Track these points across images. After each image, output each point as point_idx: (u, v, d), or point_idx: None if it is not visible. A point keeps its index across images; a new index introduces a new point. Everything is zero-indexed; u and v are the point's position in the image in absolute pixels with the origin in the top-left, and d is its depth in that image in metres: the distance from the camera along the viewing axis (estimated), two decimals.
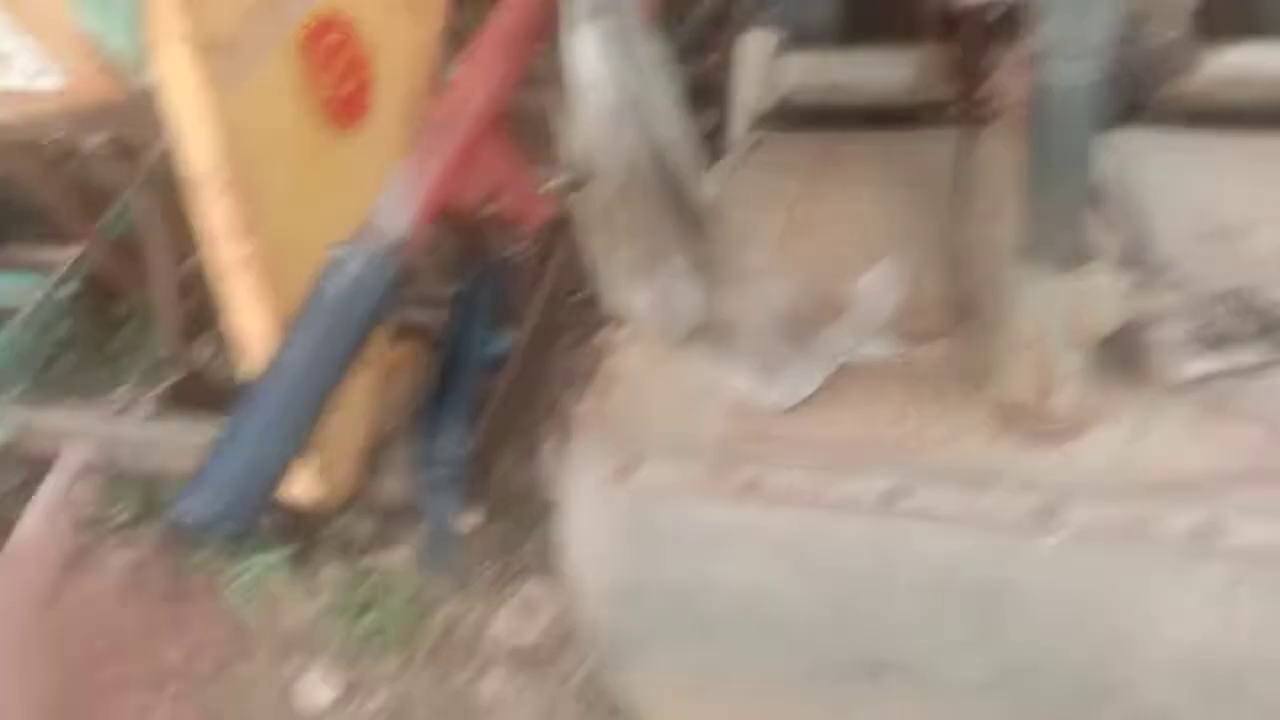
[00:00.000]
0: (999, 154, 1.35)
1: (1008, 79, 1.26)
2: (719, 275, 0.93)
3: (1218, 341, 0.98)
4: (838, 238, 1.21)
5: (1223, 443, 0.96)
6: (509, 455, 2.26)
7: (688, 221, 0.89)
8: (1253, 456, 0.95)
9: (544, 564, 2.15)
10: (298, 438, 0.60)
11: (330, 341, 0.61)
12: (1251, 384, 0.96)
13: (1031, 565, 0.94)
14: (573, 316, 2.49)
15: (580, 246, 0.90)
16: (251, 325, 1.31)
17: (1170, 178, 1.18)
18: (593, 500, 1.04)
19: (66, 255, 2.14)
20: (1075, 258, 0.89)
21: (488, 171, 0.69)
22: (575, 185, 0.84)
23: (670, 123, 0.85)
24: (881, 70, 1.50)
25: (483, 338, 0.65)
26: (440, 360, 0.66)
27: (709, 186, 0.89)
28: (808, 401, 1.05)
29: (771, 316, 0.96)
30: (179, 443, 1.72)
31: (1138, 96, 1.30)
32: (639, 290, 0.95)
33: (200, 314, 2.53)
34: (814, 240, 1.15)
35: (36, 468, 2.48)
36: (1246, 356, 0.97)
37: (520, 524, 2.22)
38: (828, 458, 1.01)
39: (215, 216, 1.26)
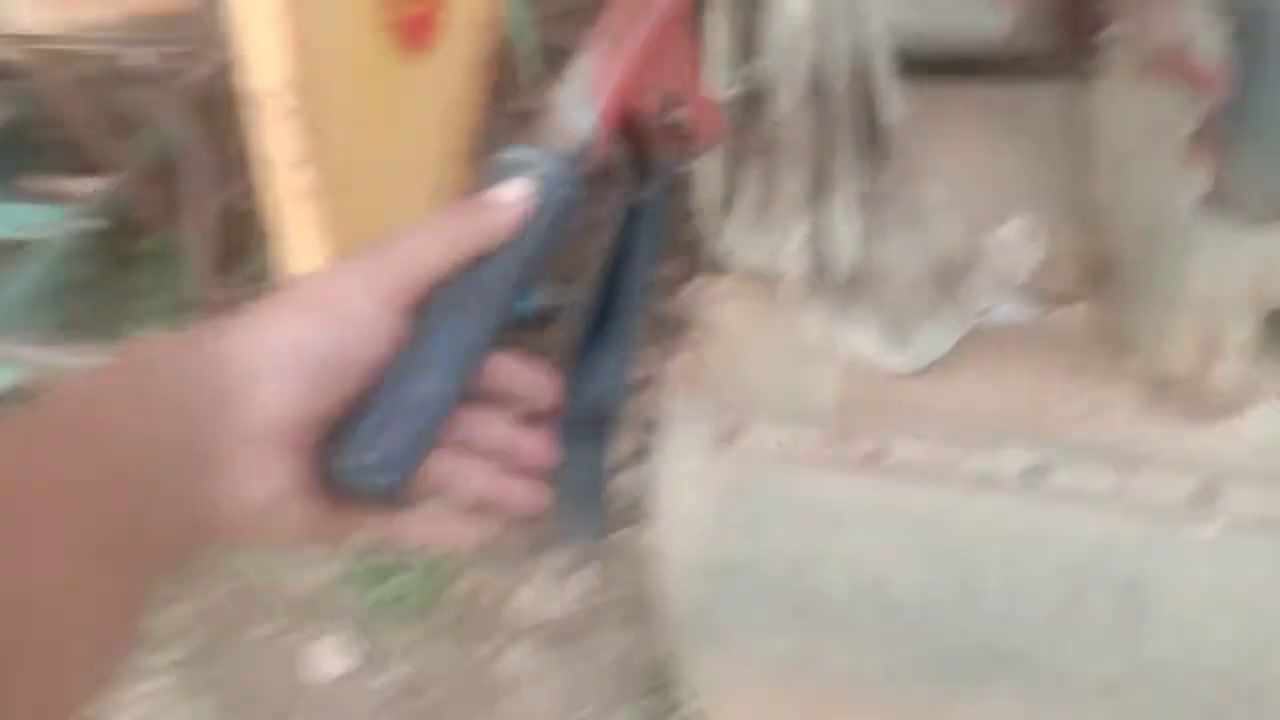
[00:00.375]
0: (1125, 105, 1.25)
1: (1138, 25, 1.16)
2: (890, 213, 0.83)
3: None
4: (960, 191, 1.11)
5: None
6: None
7: (873, 146, 0.79)
8: None
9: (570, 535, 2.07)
10: (466, 376, 0.50)
11: (508, 261, 0.51)
12: None
13: (1186, 553, 0.85)
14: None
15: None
16: (306, 260, 1.21)
17: None
18: (692, 465, 0.94)
19: (89, 186, 2.03)
20: (1272, 212, 0.79)
21: (671, 74, 0.59)
22: (749, 100, 0.74)
23: (873, 29, 0.75)
24: (973, 17, 1.40)
25: (647, 263, 0.56)
26: (600, 286, 0.56)
27: (901, 108, 0.78)
28: (936, 366, 0.95)
29: (928, 265, 0.86)
30: None
31: None
32: (793, 227, 0.85)
33: (229, 252, 2.44)
34: (945, 197, 1.06)
35: None
36: None
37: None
38: (960, 429, 0.91)
39: (277, 141, 1.15)
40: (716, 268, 1.07)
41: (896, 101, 0.78)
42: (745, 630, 1.00)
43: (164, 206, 1.74)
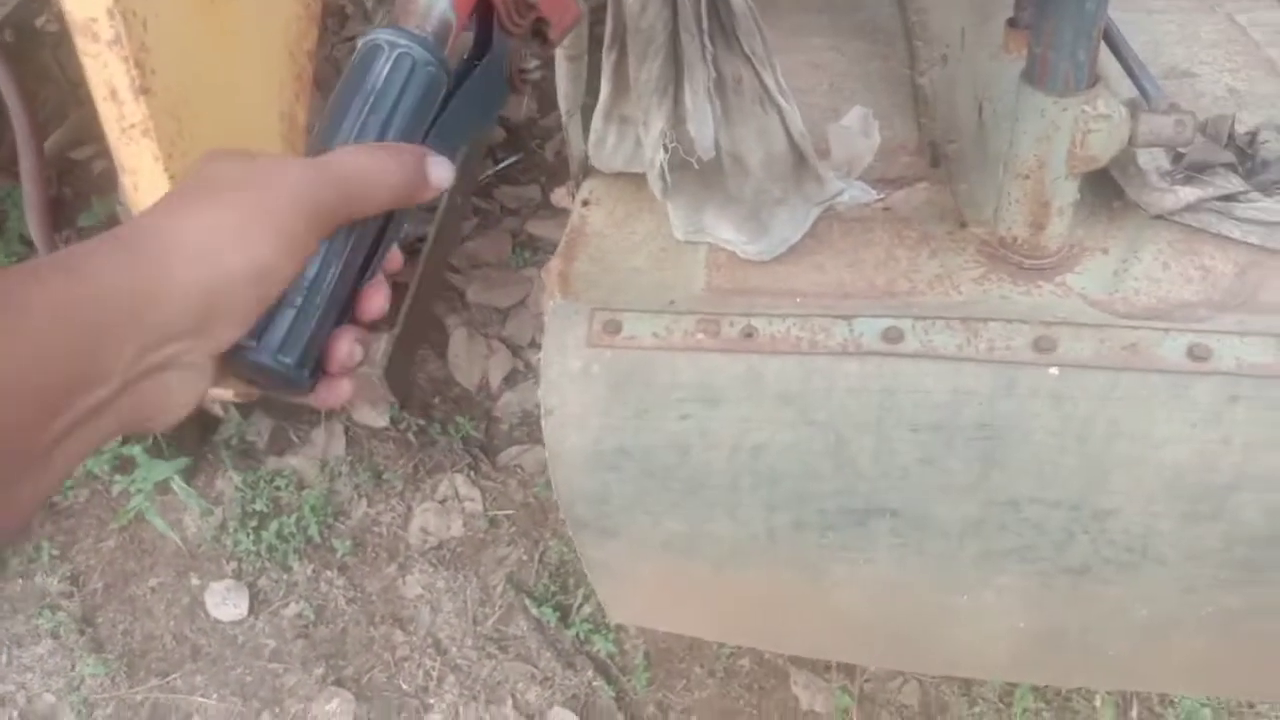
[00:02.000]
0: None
1: None
2: (740, 98, 0.86)
3: (1196, 171, 0.98)
4: (801, 86, 1.16)
5: (1205, 269, 0.97)
6: (422, 348, 2.17)
7: (722, 31, 0.81)
8: (1233, 281, 0.96)
9: (460, 460, 2.09)
10: (360, 273, 0.53)
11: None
12: (1230, 210, 0.97)
13: (1031, 397, 0.93)
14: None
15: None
16: (154, 195, 1.17)
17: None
18: (573, 363, 0.97)
19: None
20: (1081, 82, 0.86)
21: None
22: None
23: None
24: None
25: (456, 130, 0.57)
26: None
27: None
28: (793, 250, 1.00)
29: (779, 151, 0.90)
30: None
31: None
32: (653, 116, 0.87)
33: (65, 201, 2.30)
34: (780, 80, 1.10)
35: None
36: (1223, 185, 0.97)
37: (433, 419, 2.14)
38: (820, 305, 0.97)
39: (106, 71, 1.09)
40: (582, 170, 1.09)
41: None
42: (637, 516, 1.05)
43: None
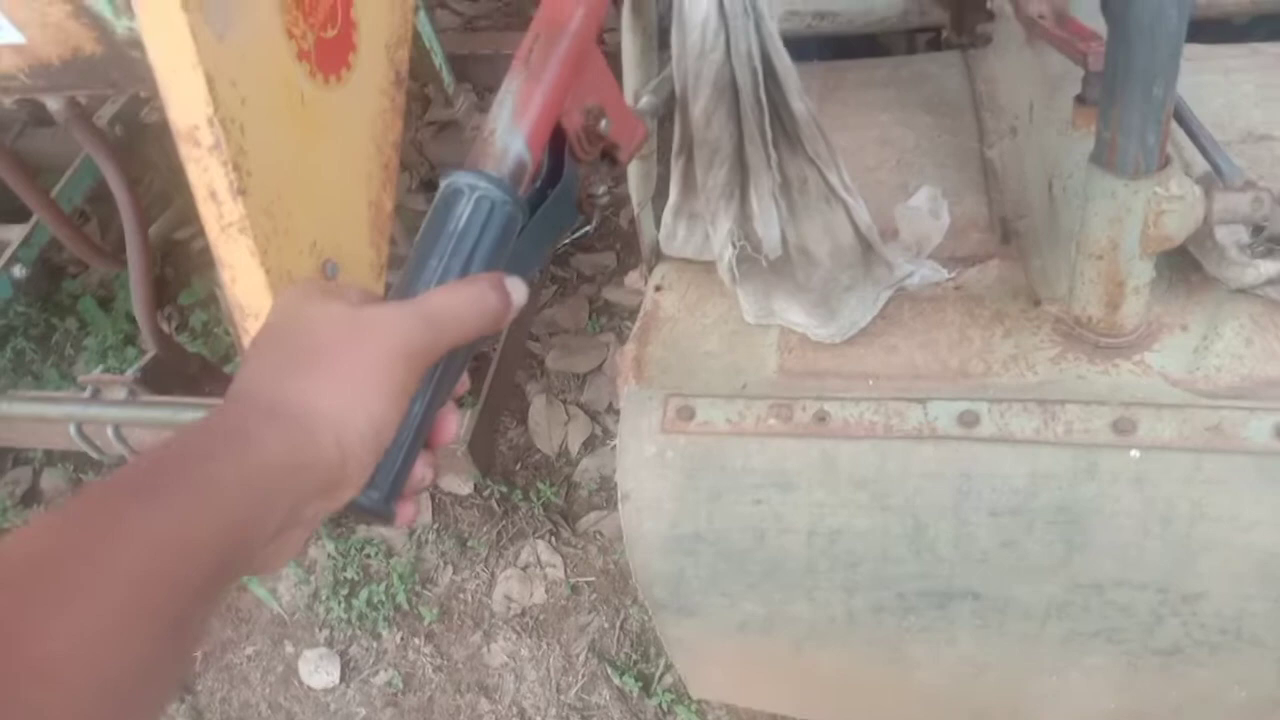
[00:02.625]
0: (1010, 69, 1.32)
1: None
2: (805, 196, 0.88)
3: (1277, 243, 0.97)
4: (869, 164, 1.17)
5: None
6: (503, 415, 2.21)
7: (784, 136, 0.84)
8: None
9: (541, 526, 2.11)
10: (441, 403, 0.56)
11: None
12: None
13: (1112, 481, 0.92)
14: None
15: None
16: (250, 289, 1.23)
17: (1186, 88, 1.17)
18: (651, 448, 0.99)
19: (10, 234, 2.01)
20: (1151, 164, 0.86)
21: (591, 89, 0.63)
22: (662, 106, 0.78)
23: (769, 27, 0.79)
24: None
25: (528, 258, 0.60)
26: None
27: (804, 99, 0.83)
28: (865, 332, 1.01)
29: (845, 242, 0.92)
30: (161, 423, 1.63)
31: None
32: (718, 218, 0.89)
33: (167, 283, 2.42)
34: (847, 167, 1.11)
35: (3, 458, 2.36)
36: None
37: (515, 486, 2.17)
38: (894, 387, 0.98)
39: (205, 175, 1.17)
40: (654, 256, 1.12)
41: (799, 92, 0.83)
42: (713, 598, 1.06)
43: (91, 247, 1.73)
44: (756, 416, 0.98)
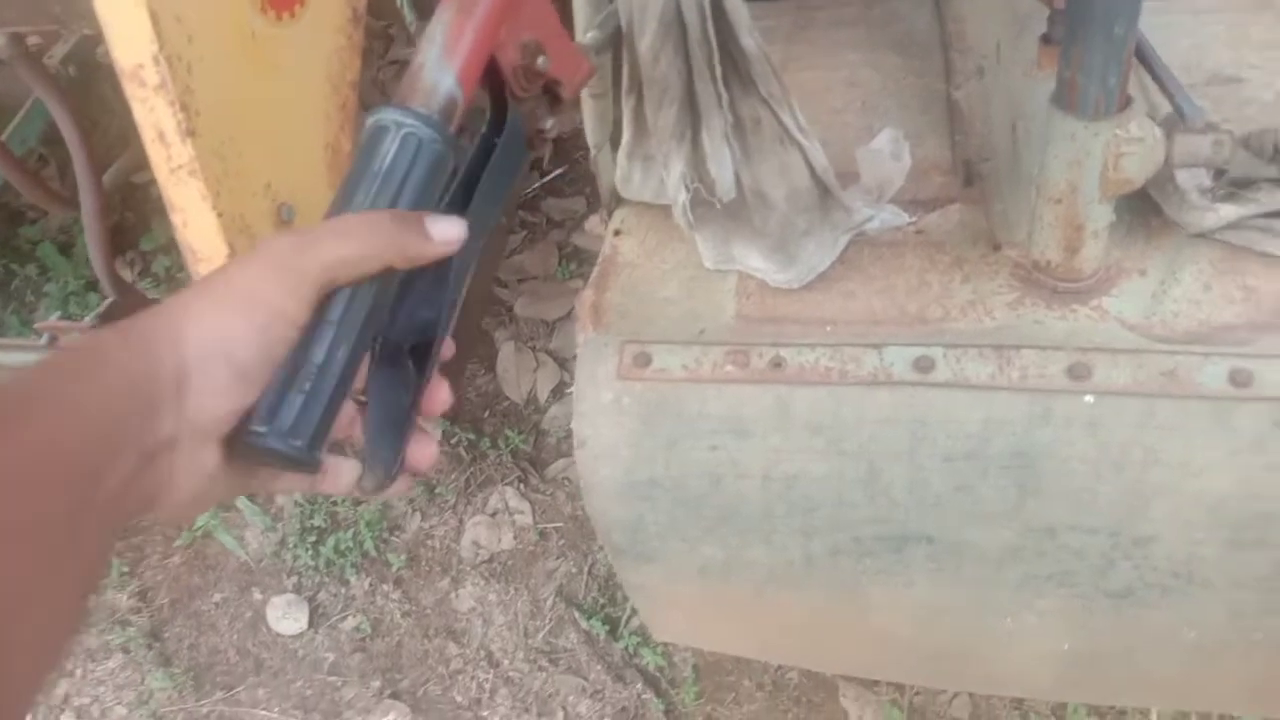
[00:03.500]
0: (980, 9, 1.30)
1: None
2: (759, 138, 0.86)
3: (1239, 187, 0.96)
4: (835, 105, 1.15)
5: (1248, 289, 0.95)
6: (471, 362, 2.20)
7: (735, 75, 0.82)
8: (1278, 301, 0.94)
9: (509, 473, 2.11)
10: (361, 344, 0.54)
11: None
12: (1275, 227, 0.94)
13: (1066, 426, 0.92)
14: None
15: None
16: (202, 232, 1.20)
17: (1154, 30, 1.15)
18: (607, 394, 0.98)
19: None
20: (1112, 106, 0.84)
21: (530, 24, 0.61)
22: (608, 42, 0.76)
23: None
24: None
25: (491, 202, 0.59)
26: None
27: (755, 37, 0.81)
28: (823, 277, 1.00)
29: (802, 185, 0.90)
30: None
31: None
32: (673, 159, 0.87)
33: (126, 228, 2.37)
34: (812, 109, 1.09)
35: None
36: (1267, 201, 0.95)
37: (483, 433, 2.17)
38: (850, 333, 0.97)
39: (154, 116, 1.13)
40: (613, 201, 1.10)
41: (749, 29, 0.81)
42: (672, 543, 1.06)
43: (47, 191, 1.69)
44: (713, 363, 0.97)
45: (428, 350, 0.60)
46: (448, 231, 0.56)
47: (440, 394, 0.60)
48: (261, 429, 0.50)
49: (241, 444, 0.51)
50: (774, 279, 1.00)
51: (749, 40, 0.80)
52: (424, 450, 0.59)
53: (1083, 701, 1.33)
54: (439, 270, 0.60)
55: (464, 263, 0.61)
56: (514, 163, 0.65)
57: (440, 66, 0.56)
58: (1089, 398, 0.91)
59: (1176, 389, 0.91)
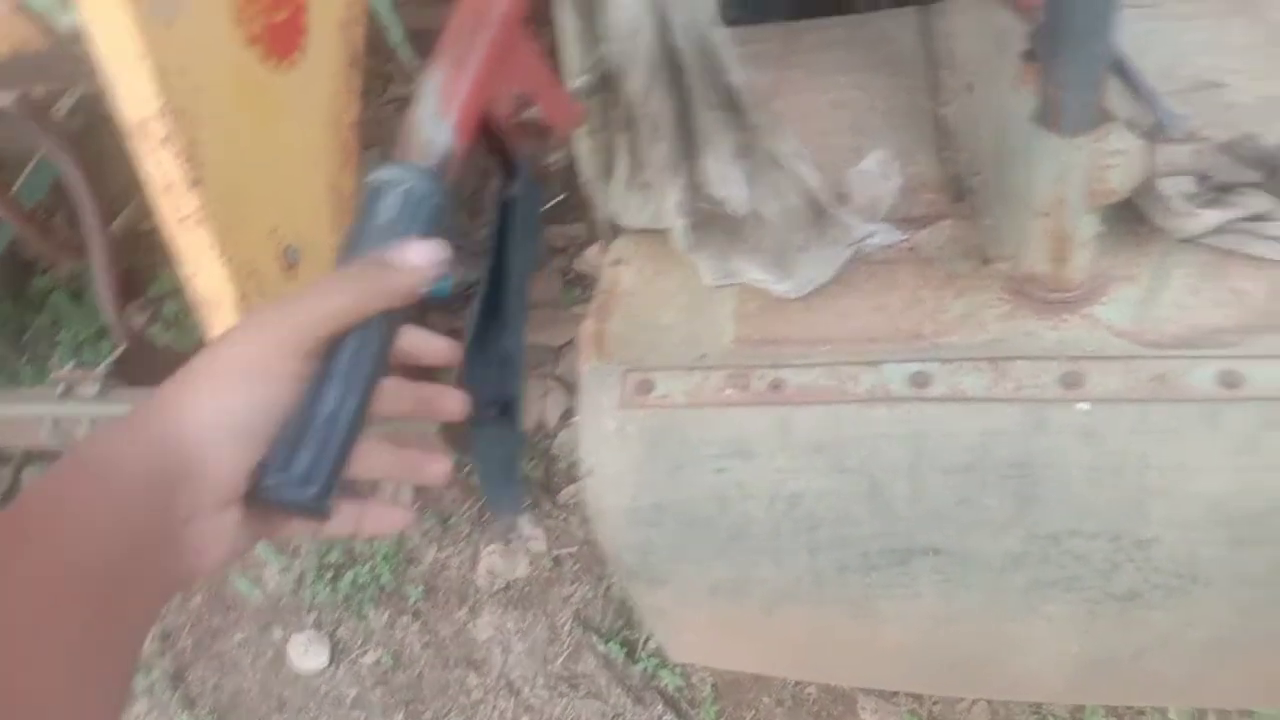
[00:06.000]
0: (967, 26, 1.33)
1: None
2: (753, 164, 0.89)
3: (1223, 192, 0.98)
4: (824, 128, 1.18)
5: (1236, 292, 0.96)
6: None
7: (726, 106, 0.84)
8: (1265, 302, 0.95)
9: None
10: (368, 389, 0.56)
11: None
12: (1260, 230, 0.96)
13: (1062, 434, 0.94)
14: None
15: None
16: (211, 280, 1.23)
17: (1134, 37, 1.17)
18: (611, 423, 1.00)
19: None
20: (1092, 120, 0.87)
21: (520, 75, 0.64)
22: (599, 85, 0.79)
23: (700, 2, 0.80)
24: None
25: (525, 251, 0.62)
26: (486, 279, 0.62)
27: (742, 70, 0.84)
28: (819, 295, 1.02)
29: (795, 208, 0.93)
30: None
31: None
32: (668, 190, 0.90)
33: (135, 274, 2.41)
34: (802, 132, 1.12)
35: None
36: (1252, 204, 0.97)
37: None
38: (848, 352, 0.99)
39: (159, 168, 1.17)
40: (609, 233, 1.13)
41: (736, 64, 0.83)
42: (682, 566, 1.08)
43: (58, 242, 1.73)
44: (714, 387, 0.99)
45: (512, 403, 0.64)
46: (418, 257, 0.56)
47: (446, 402, 0.62)
48: (274, 481, 0.52)
49: (256, 496, 0.53)
50: (775, 288, 1.02)
51: (737, 76, 0.83)
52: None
53: (1098, 703, 1.34)
54: (500, 326, 0.63)
55: (517, 310, 0.64)
56: (533, 206, 0.67)
57: (435, 121, 0.59)
58: (1083, 405, 0.93)
59: (1168, 393, 0.92)
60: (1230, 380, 0.91)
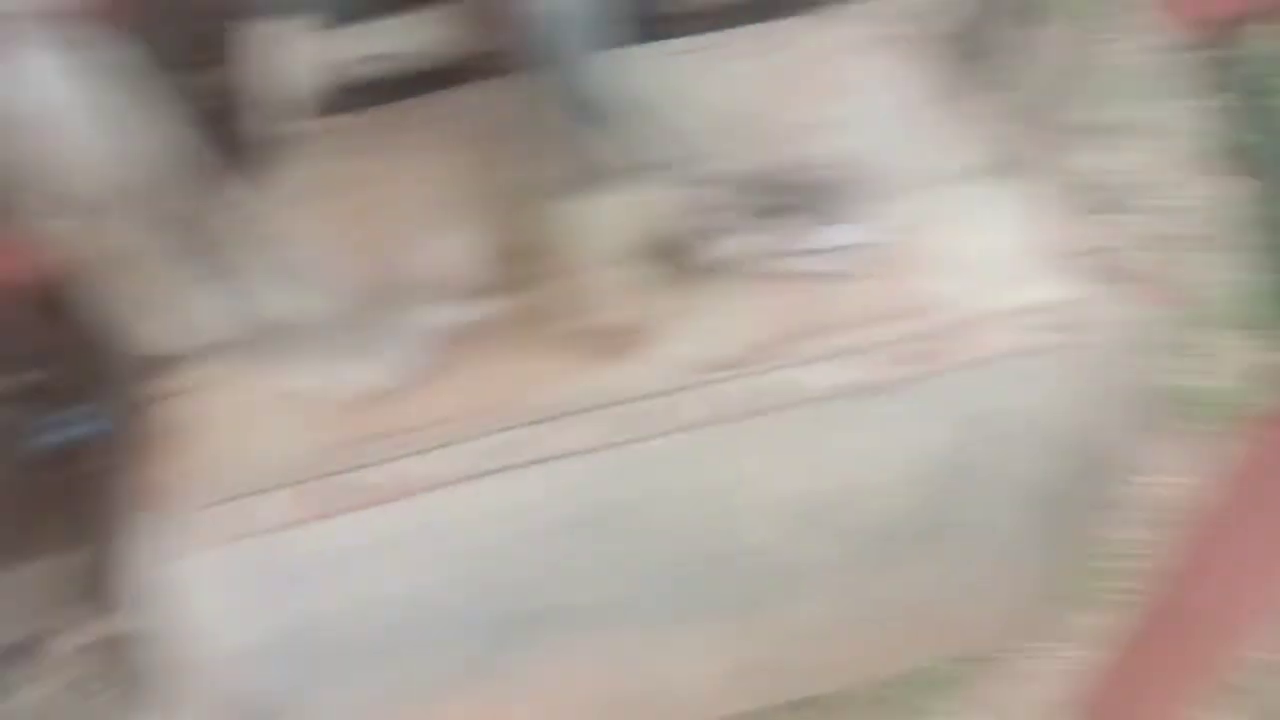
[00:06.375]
0: (520, 100, 1.35)
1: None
2: (262, 278, 0.86)
3: (756, 219, 1.06)
4: (407, 212, 1.15)
5: (775, 308, 1.04)
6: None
7: (204, 232, 0.81)
8: (806, 310, 1.04)
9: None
10: None
11: None
12: (796, 248, 1.05)
13: (654, 470, 0.98)
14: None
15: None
16: None
17: (686, 80, 1.23)
18: (201, 568, 0.93)
19: None
20: (606, 176, 0.91)
21: None
22: (73, 228, 0.73)
23: (148, 133, 0.76)
24: (413, 33, 1.41)
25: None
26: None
27: (227, 190, 0.81)
28: (408, 383, 1.00)
29: (329, 310, 0.90)
30: None
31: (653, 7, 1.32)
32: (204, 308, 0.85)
33: None
34: (385, 219, 1.10)
35: None
36: (789, 225, 1.05)
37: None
38: (432, 437, 0.97)
39: None
40: (158, 367, 1.04)
41: (200, 190, 0.81)
42: (315, 690, 1.02)
43: None
44: (298, 503, 0.94)
45: None
46: None
47: None
48: None
49: None
50: (352, 385, 0.98)
51: (198, 203, 0.80)
52: None
53: (755, 706, 1.41)
54: None
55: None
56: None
57: None
58: (661, 440, 0.97)
59: (740, 410, 0.98)
60: (789, 387, 0.99)
